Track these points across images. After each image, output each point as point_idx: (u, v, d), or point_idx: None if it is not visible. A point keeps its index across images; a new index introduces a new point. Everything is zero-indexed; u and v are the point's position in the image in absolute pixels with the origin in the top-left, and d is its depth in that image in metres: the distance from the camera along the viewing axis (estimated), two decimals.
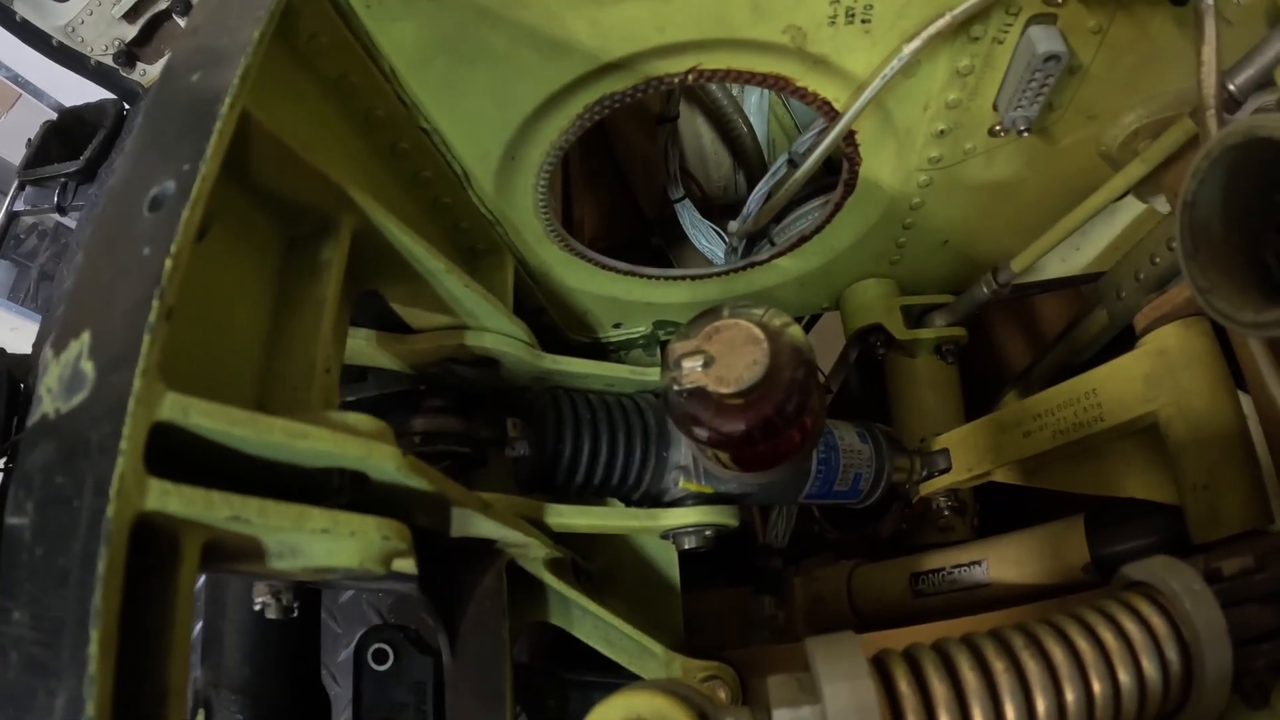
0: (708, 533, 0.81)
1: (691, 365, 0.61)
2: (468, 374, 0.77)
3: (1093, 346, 1.10)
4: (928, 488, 0.99)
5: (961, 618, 0.91)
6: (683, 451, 0.79)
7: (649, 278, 0.96)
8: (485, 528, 0.66)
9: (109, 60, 1.13)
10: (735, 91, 1.22)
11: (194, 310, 0.45)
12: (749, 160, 1.12)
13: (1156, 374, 0.81)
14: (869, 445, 0.90)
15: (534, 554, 0.77)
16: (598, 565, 0.99)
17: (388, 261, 0.64)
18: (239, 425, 0.39)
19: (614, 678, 0.91)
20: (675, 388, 0.61)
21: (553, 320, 1.02)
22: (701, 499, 0.79)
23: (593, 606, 0.82)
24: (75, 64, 1.14)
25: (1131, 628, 0.51)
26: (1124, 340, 0.92)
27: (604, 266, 0.95)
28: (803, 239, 0.93)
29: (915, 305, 0.97)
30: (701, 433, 0.64)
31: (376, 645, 0.95)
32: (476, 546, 0.75)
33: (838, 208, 0.89)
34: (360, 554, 0.45)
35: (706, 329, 0.62)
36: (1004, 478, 0.96)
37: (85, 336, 0.37)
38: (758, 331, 0.61)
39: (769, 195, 0.90)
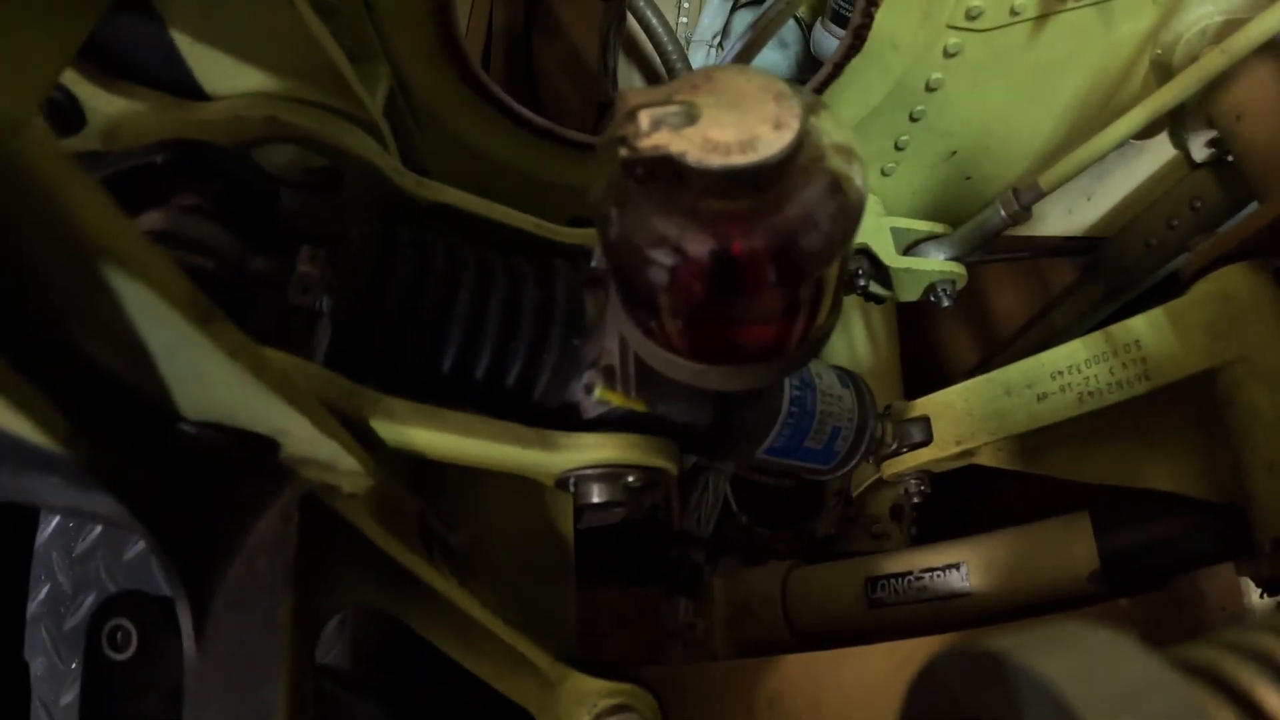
0: (630, 479, 0.51)
1: (657, 117, 0.34)
2: (266, 177, 0.49)
3: (1077, 329, 0.94)
4: (893, 466, 0.77)
5: (933, 635, 0.71)
6: (606, 343, 0.51)
7: (577, 145, 0.71)
8: (250, 402, 0.38)
9: None
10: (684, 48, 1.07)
11: None
12: None
13: (1221, 323, 0.65)
14: (850, 392, 0.66)
15: (349, 485, 0.49)
16: (462, 535, 0.70)
17: None
18: None
19: (475, 701, 0.62)
20: (625, 155, 0.35)
21: None
22: (626, 423, 0.51)
23: (443, 586, 0.54)
24: None
25: None
26: None
27: (516, 118, 0.69)
28: None
29: (908, 231, 0.76)
30: (658, 257, 0.38)
31: (115, 623, 0.63)
32: (249, 459, 0.45)
33: (837, 70, 0.67)
34: None
35: (687, 77, 0.36)
36: (992, 460, 0.76)
37: None
38: (782, 85, 0.36)
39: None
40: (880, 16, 0.64)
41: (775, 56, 1.09)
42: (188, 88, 0.50)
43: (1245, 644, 0.26)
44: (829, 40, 1.03)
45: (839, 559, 0.85)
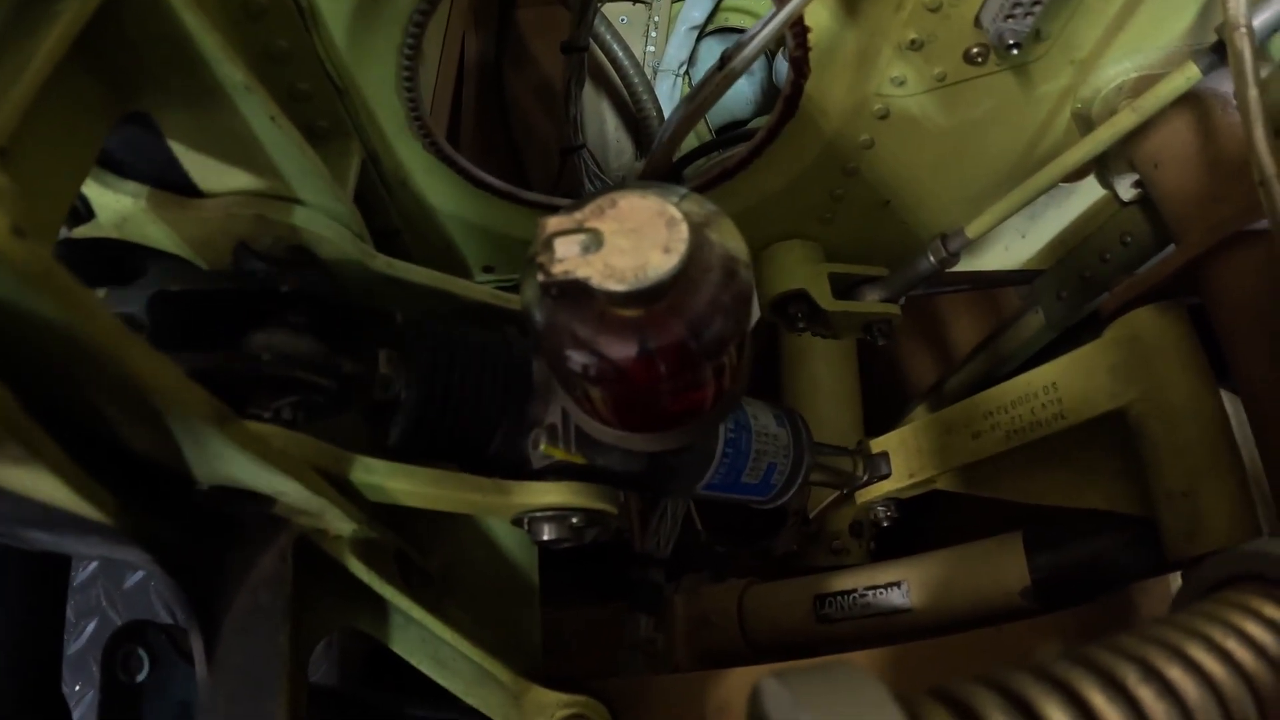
0: (574, 520, 0.59)
1: (568, 248, 0.41)
2: (264, 269, 0.56)
3: (1021, 354, 0.99)
4: (865, 495, 0.85)
5: (876, 649, 0.76)
6: (550, 404, 0.58)
7: (533, 206, 0.77)
8: (254, 473, 0.45)
9: None
10: (650, 76, 1.11)
11: None
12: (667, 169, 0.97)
13: (1127, 365, 0.71)
14: (786, 431, 0.73)
15: (336, 529, 0.56)
16: (437, 562, 0.77)
17: (162, 57, 0.44)
18: None
19: (448, 713, 0.70)
20: (541, 279, 0.41)
21: (408, 248, 0.80)
22: (569, 471, 0.59)
23: (417, 612, 0.61)
24: None
25: (1265, 638, 0.34)
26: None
27: (477, 182, 0.75)
28: (724, 173, 0.76)
29: (846, 275, 0.82)
30: (575, 357, 0.44)
31: (126, 649, 0.71)
32: (252, 511, 0.54)
33: (772, 135, 0.72)
34: None
35: (596, 202, 0.42)
36: (948, 486, 0.83)
37: None
38: (674, 210, 0.42)
39: (688, 111, 0.72)
40: (809, 86, 0.69)
41: (741, 84, 1.14)
42: (185, 187, 0.56)
43: (998, 680, 0.32)
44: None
45: (798, 574, 0.91)
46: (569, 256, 0.41)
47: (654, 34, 1.22)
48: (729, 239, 0.45)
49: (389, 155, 0.72)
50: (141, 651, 0.72)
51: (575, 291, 0.42)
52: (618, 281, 0.40)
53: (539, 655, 0.77)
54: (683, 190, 0.45)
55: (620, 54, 1.09)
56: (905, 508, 0.88)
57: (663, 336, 0.44)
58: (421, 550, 0.76)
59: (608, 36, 1.09)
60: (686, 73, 1.19)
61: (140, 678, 0.72)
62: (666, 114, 1.13)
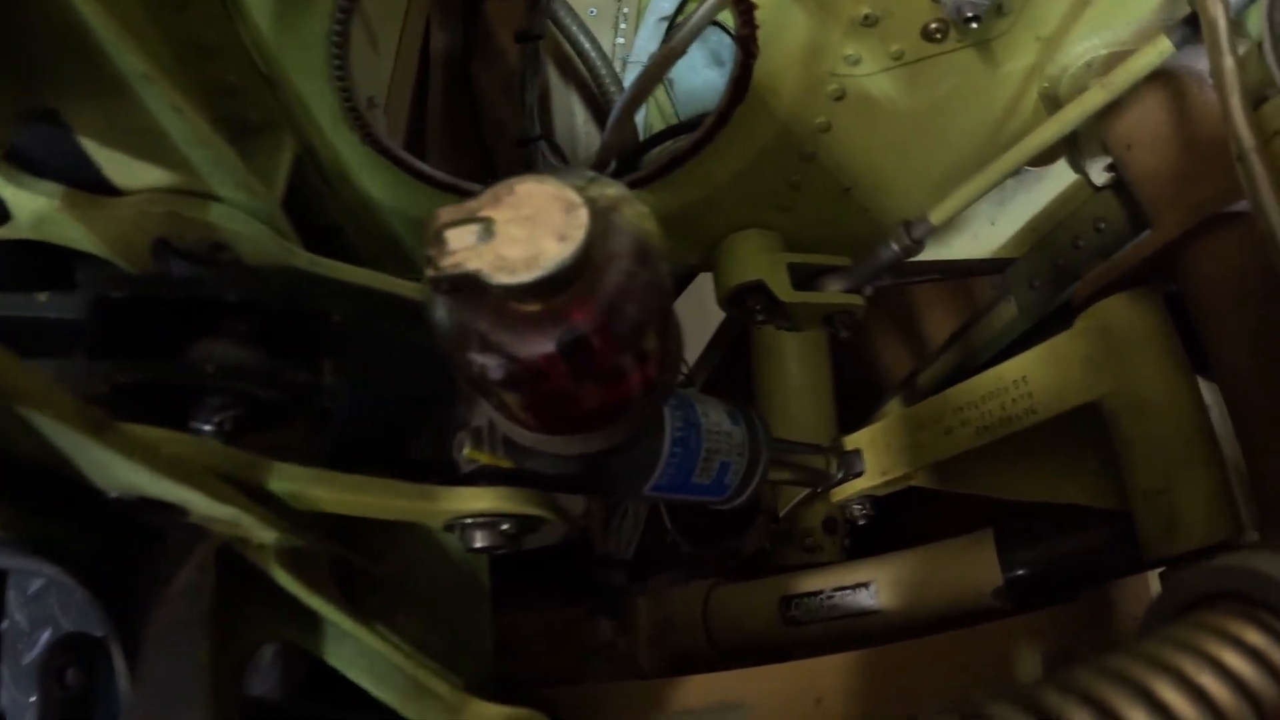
0: (505, 527, 0.56)
1: (461, 240, 0.38)
2: (187, 269, 0.53)
3: (995, 346, 0.96)
4: (840, 493, 0.83)
5: (845, 653, 0.74)
6: (477, 406, 0.55)
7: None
8: (151, 482, 0.43)
9: None
10: (620, 69, 1.09)
11: None
12: (623, 144, 0.94)
13: (1098, 356, 0.68)
14: (741, 429, 0.69)
15: (258, 538, 0.53)
16: (388, 568, 0.75)
17: (63, 49, 0.43)
18: None
19: None
20: (430, 275, 0.39)
21: (352, 246, 0.78)
22: (500, 476, 0.55)
23: (348, 624, 0.58)
24: None
25: (1245, 670, 0.31)
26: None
27: (418, 175, 0.72)
28: (674, 161, 0.73)
29: (806, 265, 0.78)
30: (477, 359, 0.41)
31: (63, 661, 0.70)
32: (167, 521, 0.52)
33: (722, 119, 0.69)
34: None
35: (493, 189, 0.39)
36: (924, 482, 0.81)
37: None
38: (572, 194, 0.39)
39: (632, 93, 0.68)
40: (759, 68, 0.66)
41: (712, 74, 1.11)
42: (99, 184, 0.55)
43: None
44: None
45: (770, 573, 0.88)
46: (460, 249, 0.38)
47: (623, 25, 1.19)
48: (640, 223, 0.42)
49: (326, 149, 0.70)
50: (79, 663, 0.70)
51: (469, 287, 0.39)
52: (509, 273, 0.37)
53: (490, 660, 0.75)
54: (591, 174, 0.42)
55: (588, 46, 1.07)
56: (881, 504, 0.85)
57: (568, 331, 0.41)
58: (372, 556, 0.73)
59: (574, 28, 1.06)
60: None
61: (78, 690, 0.70)
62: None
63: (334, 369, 0.54)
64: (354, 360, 0.55)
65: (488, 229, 0.38)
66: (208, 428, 0.51)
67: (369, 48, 0.97)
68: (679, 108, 1.15)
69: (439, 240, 0.38)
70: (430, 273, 0.38)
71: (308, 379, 0.54)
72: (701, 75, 1.11)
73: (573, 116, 1.16)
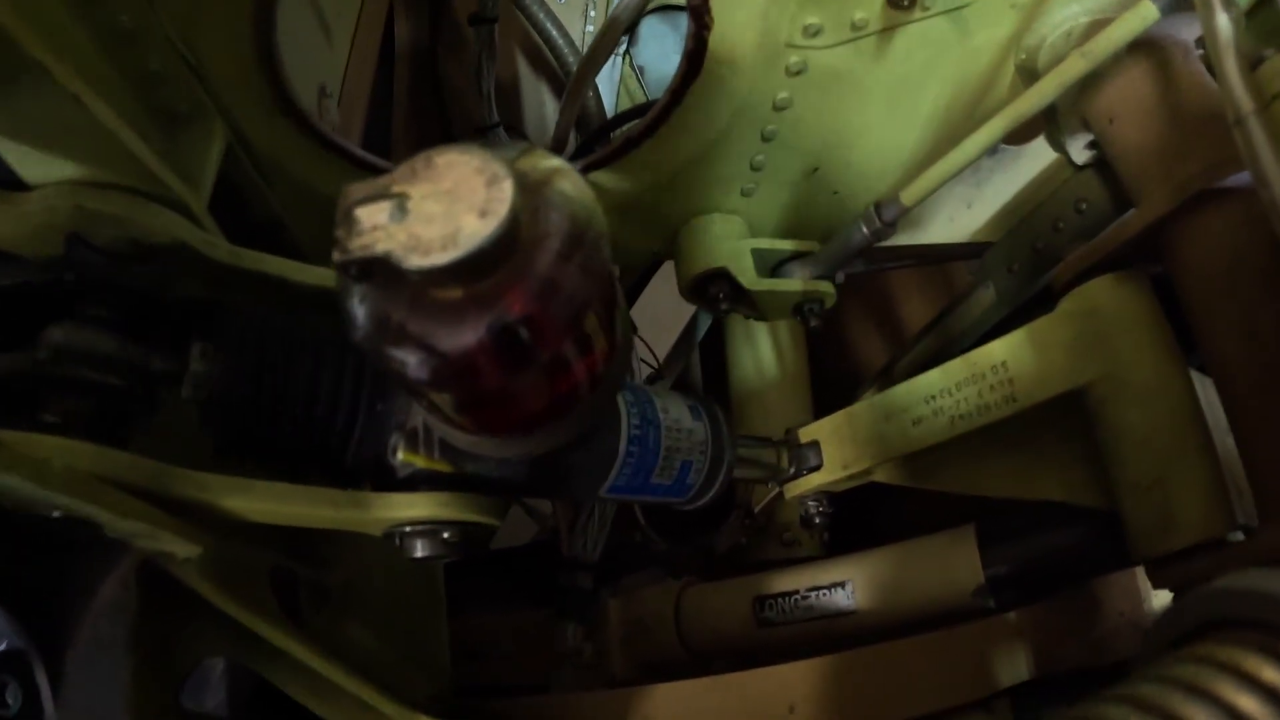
0: (446, 535, 0.52)
1: (373, 218, 0.34)
2: (96, 261, 0.50)
3: (973, 333, 0.92)
4: (795, 489, 0.78)
5: (818, 658, 0.72)
6: (414, 405, 0.51)
7: None
8: (48, 499, 0.40)
9: None
10: None
11: None
12: (586, 123, 0.91)
13: (1084, 340, 0.64)
14: (703, 424, 0.66)
15: (181, 551, 0.50)
16: (338, 577, 0.71)
17: None
18: None
19: None
20: (339, 258, 0.35)
21: (294, 240, 0.74)
22: (440, 481, 0.51)
23: (281, 640, 0.55)
24: None
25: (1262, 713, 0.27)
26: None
27: (359, 163, 0.68)
28: (630, 142, 0.69)
29: (772, 251, 0.74)
30: (396, 354, 0.38)
31: (3, 678, 0.67)
32: (83, 534, 0.48)
33: (677, 97, 0.65)
34: None
35: (410, 162, 0.36)
36: (887, 477, 0.76)
37: None
38: (497, 166, 0.35)
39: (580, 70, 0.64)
40: (714, 41, 0.62)
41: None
42: (8, 179, 0.52)
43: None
44: None
45: (748, 569, 0.85)
46: (370, 229, 0.34)
47: (593, 14, 1.16)
48: (578, 197, 0.38)
49: (260, 139, 0.66)
50: (15, 682, 0.67)
51: (382, 271, 0.35)
52: (423, 255, 0.33)
53: (447, 669, 0.71)
54: (524, 145, 0.38)
55: (556, 35, 1.04)
56: (865, 495, 0.80)
57: (496, 319, 0.37)
58: (319, 564, 0.70)
59: (542, 16, 1.03)
60: (627, 53, 1.13)
61: (14, 710, 0.67)
62: (604, 94, 1.07)
63: (203, 355, 0.49)
64: (233, 347, 0.50)
65: (400, 205, 0.34)
66: (51, 419, 0.47)
67: (321, 36, 0.93)
68: (650, 95, 1.12)
69: (348, 220, 0.34)
70: (337, 256, 0.34)
71: (168, 366, 0.50)
72: (672, 62, 1.07)
73: (543, 106, 1.14)
